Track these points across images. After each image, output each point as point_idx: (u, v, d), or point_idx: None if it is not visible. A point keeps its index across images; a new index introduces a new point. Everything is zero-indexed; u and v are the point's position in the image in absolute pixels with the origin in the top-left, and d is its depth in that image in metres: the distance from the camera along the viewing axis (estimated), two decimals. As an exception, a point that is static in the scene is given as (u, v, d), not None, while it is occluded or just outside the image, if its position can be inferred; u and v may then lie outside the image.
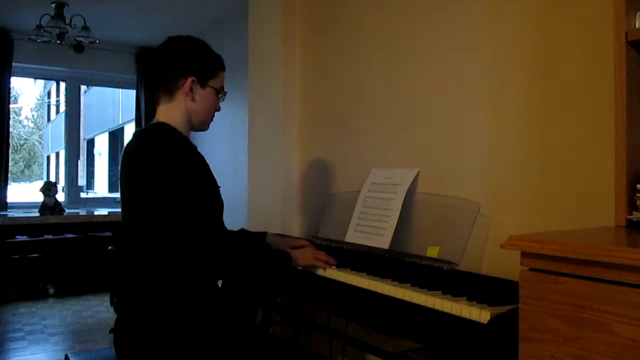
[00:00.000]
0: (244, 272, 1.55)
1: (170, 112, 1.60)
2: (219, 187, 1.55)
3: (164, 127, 1.57)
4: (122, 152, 1.62)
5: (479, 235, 1.68)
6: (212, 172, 1.55)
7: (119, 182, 1.62)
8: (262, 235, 1.94)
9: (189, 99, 1.60)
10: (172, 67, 1.59)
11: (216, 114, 1.72)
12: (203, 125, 1.69)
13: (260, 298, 2.23)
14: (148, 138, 1.56)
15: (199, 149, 1.55)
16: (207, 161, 1.54)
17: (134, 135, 1.64)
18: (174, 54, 1.61)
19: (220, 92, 1.68)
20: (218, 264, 1.48)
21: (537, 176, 1.63)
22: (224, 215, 1.57)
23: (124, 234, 1.57)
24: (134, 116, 6.00)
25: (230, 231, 1.70)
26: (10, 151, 5.23)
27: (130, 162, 1.56)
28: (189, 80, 1.59)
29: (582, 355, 0.92)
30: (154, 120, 1.62)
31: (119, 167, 1.62)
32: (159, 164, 1.46)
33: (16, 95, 19.62)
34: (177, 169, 1.45)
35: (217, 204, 1.53)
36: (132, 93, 6.01)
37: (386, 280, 1.52)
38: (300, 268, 1.78)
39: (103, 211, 5.12)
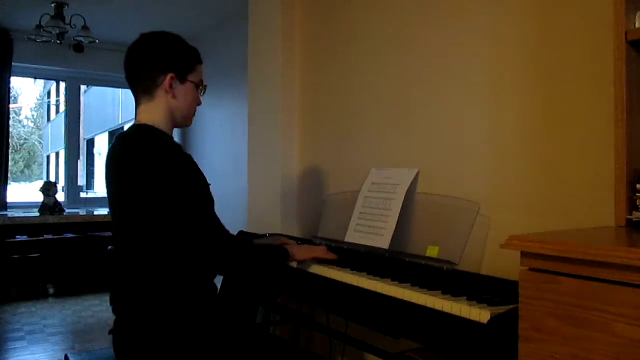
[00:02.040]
0: (241, 266, 1.55)
1: (152, 112, 1.57)
2: (209, 184, 1.53)
3: (147, 129, 1.54)
4: (107, 156, 1.59)
5: (479, 235, 1.68)
6: (202, 170, 1.53)
7: (106, 186, 1.59)
8: (261, 236, 1.94)
9: (170, 96, 1.57)
10: (149, 65, 1.56)
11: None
12: (186, 121, 1.66)
13: (260, 298, 2.23)
14: (132, 142, 1.53)
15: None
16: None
17: (117, 139, 1.60)
18: (151, 51, 1.57)
19: (200, 86, 1.65)
20: (217, 259, 1.48)
21: (537, 176, 1.63)
22: (223, 215, 1.57)
23: (117, 237, 1.56)
24: (133, 116, 6.00)
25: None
26: (10, 151, 5.23)
27: (116, 167, 1.53)
28: (169, 77, 1.56)
29: (582, 355, 0.92)
30: (136, 122, 1.59)
31: (105, 171, 1.59)
32: (148, 168, 1.44)
33: (16, 95, 19.61)
34: (166, 170, 1.43)
35: (209, 201, 1.52)
36: (132, 93, 6.01)
37: (386, 280, 1.52)
38: (295, 265, 1.78)
39: (103, 211, 5.12)
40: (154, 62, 1.56)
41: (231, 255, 1.51)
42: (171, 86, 1.57)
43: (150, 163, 1.45)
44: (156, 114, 1.57)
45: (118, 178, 1.53)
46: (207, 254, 1.46)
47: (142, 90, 1.58)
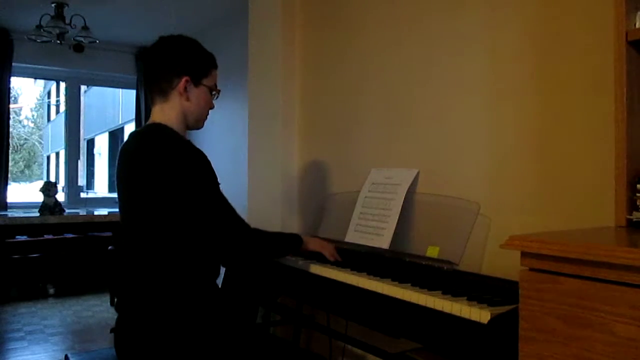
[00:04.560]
0: (258, 252, 1.62)
1: (165, 112, 1.61)
2: (219, 183, 1.56)
3: (161, 127, 1.57)
4: (119, 153, 1.62)
5: (479, 235, 1.68)
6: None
7: (117, 182, 1.63)
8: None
9: (183, 99, 1.61)
10: (165, 67, 1.60)
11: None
12: (198, 124, 1.70)
13: (260, 298, 2.24)
14: (147, 139, 1.56)
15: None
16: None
17: (131, 136, 1.64)
18: (167, 54, 1.61)
19: (213, 90, 1.68)
20: (234, 244, 1.53)
21: (537, 176, 1.63)
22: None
23: (124, 234, 1.57)
24: (134, 116, 6.00)
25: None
26: (10, 151, 5.23)
27: (130, 164, 1.56)
28: (183, 80, 1.59)
29: (582, 355, 0.92)
30: (150, 121, 1.62)
31: (116, 168, 1.62)
32: (162, 164, 1.47)
33: (16, 95, 19.61)
34: (181, 166, 1.47)
35: (221, 194, 1.55)
36: (132, 93, 6.01)
37: (386, 280, 1.52)
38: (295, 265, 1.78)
39: (103, 211, 5.12)
40: (170, 65, 1.60)
41: (247, 240, 1.56)
42: (185, 89, 1.60)
43: (164, 158, 1.48)
44: (170, 114, 1.61)
45: (131, 173, 1.55)
46: (224, 240, 1.51)
47: (157, 91, 1.62)
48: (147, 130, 1.60)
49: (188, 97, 1.61)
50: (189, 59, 1.62)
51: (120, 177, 1.60)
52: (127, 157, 1.58)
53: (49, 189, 4.79)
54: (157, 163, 1.48)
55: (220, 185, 1.55)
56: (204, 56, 1.66)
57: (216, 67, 1.69)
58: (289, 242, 1.75)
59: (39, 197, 4.82)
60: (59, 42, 4.54)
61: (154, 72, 1.62)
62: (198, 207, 1.47)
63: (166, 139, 1.52)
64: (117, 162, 1.62)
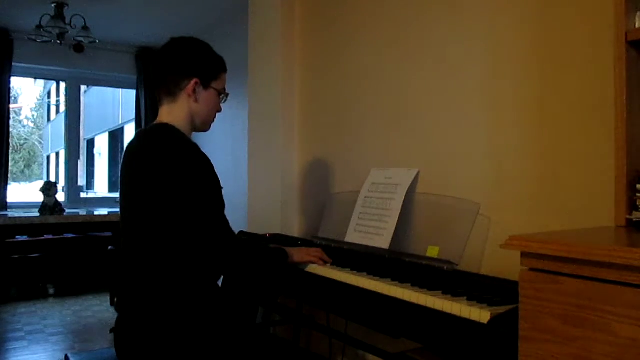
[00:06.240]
0: (244, 267, 1.60)
1: (173, 113, 1.61)
2: (222, 187, 1.56)
3: (168, 127, 1.57)
4: (124, 152, 1.63)
5: (479, 235, 1.68)
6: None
7: (120, 181, 1.63)
8: (261, 236, 1.96)
9: (192, 100, 1.62)
10: (175, 68, 1.61)
11: (217, 114, 1.73)
12: (205, 126, 1.71)
13: (260, 298, 2.24)
14: (153, 138, 1.57)
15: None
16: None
17: (137, 135, 1.65)
18: (178, 55, 1.62)
19: (222, 94, 1.70)
20: (221, 259, 1.52)
21: (537, 176, 1.63)
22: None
23: (124, 233, 1.57)
24: (134, 116, 6.00)
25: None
26: (10, 151, 5.23)
27: (134, 163, 1.56)
28: (193, 81, 1.60)
29: (582, 355, 0.92)
30: (157, 121, 1.63)
31: (120, 166, 1.63)
32: (165, 165, 1.47)
33: (16, 95, 19.63)
34: (183, 169, 1.47)
35: (220, 203, 1.54)
36: (132, 93, 6.01)
37: (386, 280, 1.52)
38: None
39: (103, 211, 5.12)
40: (180, 66, 1.61)
41: (235, 256, 1.54)
42: (194, 90, 1.61)
43: (168, 159, 1.48)
44: (177, 115, 1.62)
45: (134, 172, 1.55)
46: (212, 253, 1.50)
47: (165, 91, 1.62)
48: (153, 130, 1.60)
49: (196, 99, 1.62)
50: (200, 61, 1.63)
51: (123, 175, 1.60)
52: (132, 156, 1.59)
53: (49, 189, 4.79)
54: (159, 164, 1.48)
55: (223, 190, 1.55)
56: (215, 59, 1.67)
57: (226, 70, 1.71)
58: (274, 258, 1.71)
59: (39, 197, 4.82)
60: (59, 42, 4.55)
61: (163, 72, 1.62)
62: (190, 212, 1.47)
63: (171, 140, 1.52)
64: (121, 161, 1.63)
